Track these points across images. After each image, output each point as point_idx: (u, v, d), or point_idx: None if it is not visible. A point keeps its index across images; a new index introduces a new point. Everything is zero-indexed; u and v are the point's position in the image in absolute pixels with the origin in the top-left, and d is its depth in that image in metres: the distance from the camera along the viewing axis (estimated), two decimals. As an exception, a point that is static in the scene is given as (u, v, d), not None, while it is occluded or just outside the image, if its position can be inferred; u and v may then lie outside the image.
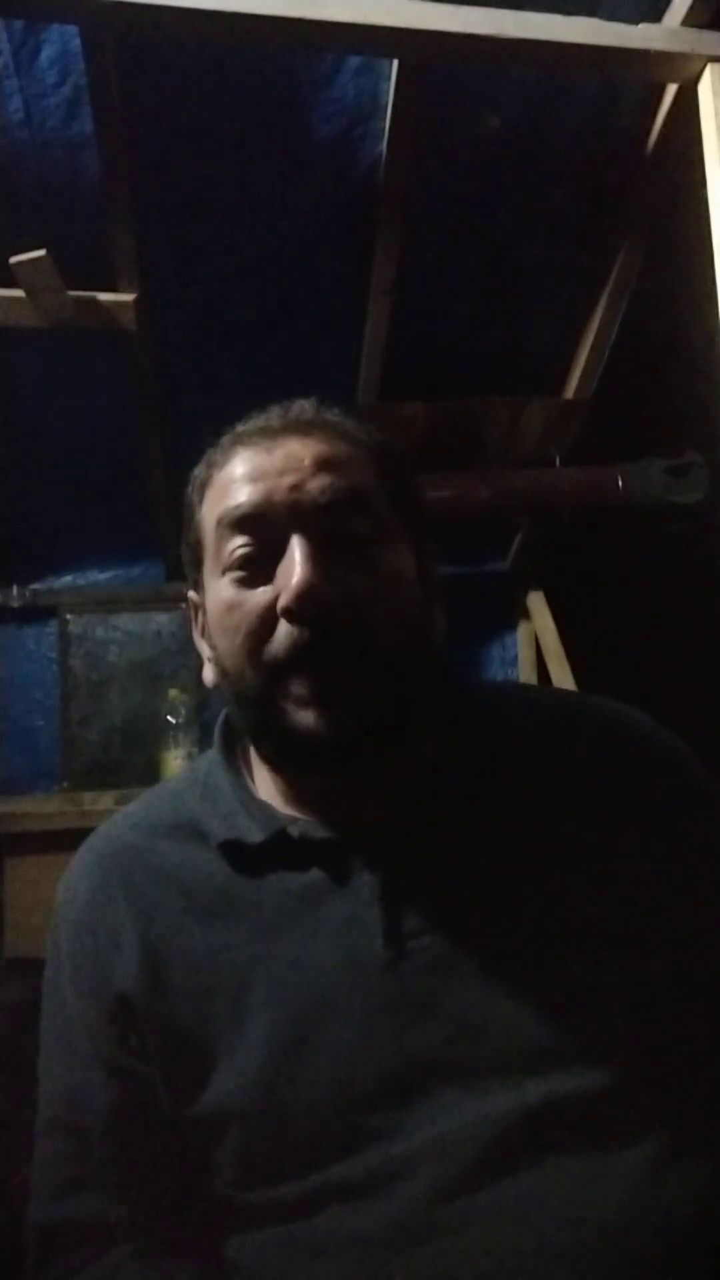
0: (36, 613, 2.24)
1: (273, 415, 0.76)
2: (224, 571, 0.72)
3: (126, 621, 2.26)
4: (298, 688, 0.68)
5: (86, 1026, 0.74)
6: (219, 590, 0.72)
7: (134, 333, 1.71)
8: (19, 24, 1.43)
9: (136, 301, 1.68)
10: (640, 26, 1.38)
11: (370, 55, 1.49)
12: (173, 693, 2.18)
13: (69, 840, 1.96)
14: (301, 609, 0.67)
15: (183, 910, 0.73)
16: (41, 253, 1.50)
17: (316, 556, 0.68)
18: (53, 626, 2.24)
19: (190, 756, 2.13)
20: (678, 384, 1.98)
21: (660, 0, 1.41)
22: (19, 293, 1.56)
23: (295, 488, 0.70)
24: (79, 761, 2.20)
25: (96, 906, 0.76)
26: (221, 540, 0.72)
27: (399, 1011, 0.67)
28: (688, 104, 1.46)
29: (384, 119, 1.57)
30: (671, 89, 1.54)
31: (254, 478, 0.71)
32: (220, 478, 0.74)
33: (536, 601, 2.26)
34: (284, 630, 0.68)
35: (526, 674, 2.33)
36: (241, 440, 0.74)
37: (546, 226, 1.79)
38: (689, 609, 2.19)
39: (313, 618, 0.67)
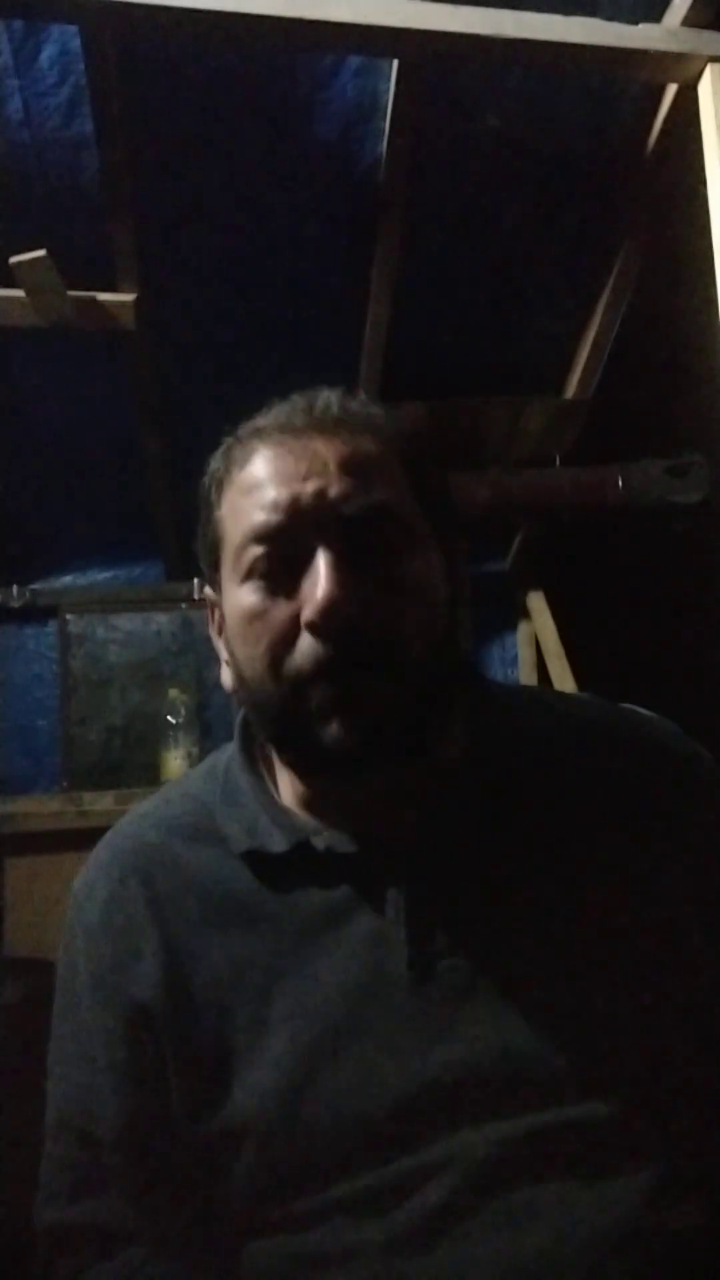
0: (36, 613, 2.24)
1: (296, 410, 0.72)
2: (244, 579, 0.70)
3: (126, 621, 2.26)
4: (320, 699, 0.66)
5: (104, 1033, 0.73)
6: (239, 597, 0.70)
7: (134, 333, 1.71)
8: (19, 24, 1.43)
9: (136, 301, 1.68)
10: (640, 26, 1.39)
11: (370, 55, 1.49)
12: (173, 693, 2.18)
13: (69, 840, 1.99)
14: (325, 624, 0.65)
15: (203, 918, 0.72)
16: (41, 253, 1.51)
17: (341, 569, 0.66)
18: (53, 626, 2.25)
19: (190, 756, 2.13)
20: (678, 384, 1.99)
21: (660, 0, 1.42)
22: (19, 293, 1.56)
23: (320, 494, 0.67)
24: (79, 761, 2.20)
25: (116, 909, 0.74)
26: (242, 547, 0.70)
27: (420, 1033, 0.67)
28: (688, 104, 1.47)
29: (384, 119, 1.57)
30: (671, 89, 1.54)
31: (277, 482, 0.68)
32: (241, 478, 0.71)
33: (536, 601, 2.26)
34: (307, 643, 0.66)
35: (526, 674, 2.33)
36: (263, 437, 0.71)
37: (546, 226, 1.79)
38: (689, 609, 2.19)
39: (336, 633, 0.65)
